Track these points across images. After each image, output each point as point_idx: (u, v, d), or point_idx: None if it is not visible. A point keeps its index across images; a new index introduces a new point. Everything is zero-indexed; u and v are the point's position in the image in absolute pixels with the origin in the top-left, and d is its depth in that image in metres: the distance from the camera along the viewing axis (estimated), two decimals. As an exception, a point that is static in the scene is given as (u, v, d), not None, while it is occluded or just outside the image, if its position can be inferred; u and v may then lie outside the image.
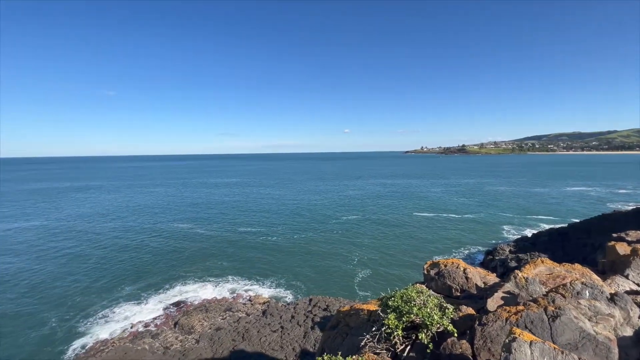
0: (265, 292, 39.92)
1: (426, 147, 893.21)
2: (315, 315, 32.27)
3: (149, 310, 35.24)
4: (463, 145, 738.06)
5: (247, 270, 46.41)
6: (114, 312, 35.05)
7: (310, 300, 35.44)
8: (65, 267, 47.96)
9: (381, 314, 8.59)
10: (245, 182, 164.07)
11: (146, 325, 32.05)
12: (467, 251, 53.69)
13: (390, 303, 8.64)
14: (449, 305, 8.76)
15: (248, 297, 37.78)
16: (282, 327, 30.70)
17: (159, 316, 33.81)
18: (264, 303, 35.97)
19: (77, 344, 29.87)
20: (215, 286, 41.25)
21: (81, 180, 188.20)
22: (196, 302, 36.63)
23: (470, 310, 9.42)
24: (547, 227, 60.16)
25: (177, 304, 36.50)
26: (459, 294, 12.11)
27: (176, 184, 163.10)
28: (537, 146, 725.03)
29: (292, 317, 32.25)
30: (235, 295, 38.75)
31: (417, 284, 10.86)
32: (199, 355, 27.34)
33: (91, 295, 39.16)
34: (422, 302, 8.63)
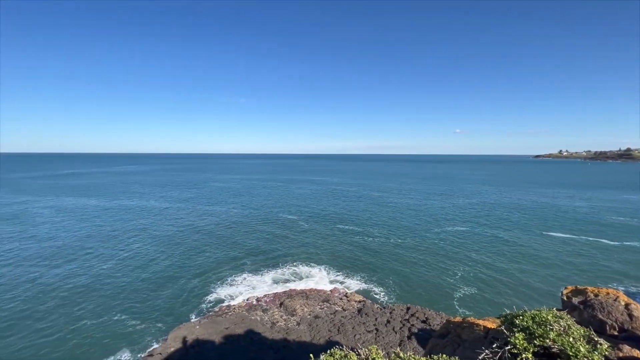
0: (360, 290, 40.50)
1: (566, 151, 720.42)
2: (412, 325, 30.62)
3: (262, 286, 41.31)
4: (628, 149, 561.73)
5: (345, 266, 47.95)
6: (238, 280, 42.83)
7: (408, 308, 33.78)
8: (209, 239, 60.46)
9: (505, 331, 7.50)
10: (346, 182, 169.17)
11: (258, 300, 37.10)
12: (624, 287, 40.81)
13: (517, 321, 7.45)
14: (602, 341, 6.93)
15: (344, 293, 38.91)
16: (376, 329, 30.38)
17: (268, 294, 38.61)
18: (359, 301, 36.37)
19: (210, 299, 37.72)
20: (315, 275, 44.32)
21: (219, 173, 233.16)
22: (298, 288, 40.12)
23: (637, 353, 7.19)
24: None
25: (284, 282, 41.34)
26: (615, 333, 9.41)
27: (286, 179, 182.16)
28: None
29: (388, 321, 31.47)
30: (332, 288, 40.54)
31: (554, 309, 8.98)
32: (299, 336, 29.84)
33: (224, 264, 48.70)
34: (562, 328, 7.10)
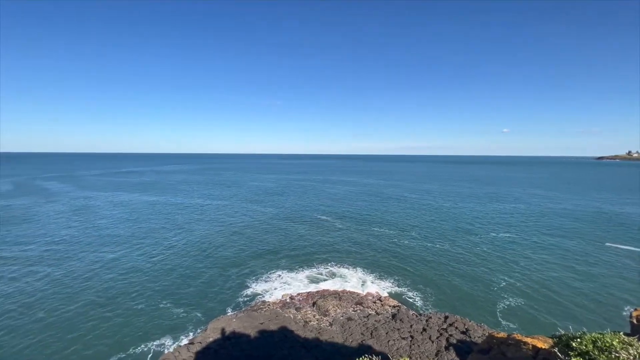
0: (394, 294, 39.47)
1: (637, 152, 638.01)
2: (451, 335, 29.10)
3: (296, 283, 41.99)
4: None
5: (379, 269, 47.04)
6: (273, 277, 44.02)
7: (446, 317, 32.17)
8: (246, 236, 63.02)
9: (559, 354, 6.79)
10: (380, 183, 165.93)
11: (292, 298, 37.76)
12: None
13: (574, 344, 6.70)
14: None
15: (378, 296, 38.16)
16: (411, 337, 29.35)
17: (301, 292, 39.13)
18: (394, 306, 35.44)
19: (246, 293, 39.18)
20: (348, 277, 44.03)
21: (252, 173, 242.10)
22: (331, 289, 40.15)
23: None
24: None
25: (317, 282, 41.51)
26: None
27: (320, 179, 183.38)
28: None
29: (424, 329, 30.24)
30: (365, 291, 39.96)
31: (621, 333, 7.95)
32: (332, 337, 29.83)
33: (260, 260, 50.44)
34: (631, 357, 6.24)
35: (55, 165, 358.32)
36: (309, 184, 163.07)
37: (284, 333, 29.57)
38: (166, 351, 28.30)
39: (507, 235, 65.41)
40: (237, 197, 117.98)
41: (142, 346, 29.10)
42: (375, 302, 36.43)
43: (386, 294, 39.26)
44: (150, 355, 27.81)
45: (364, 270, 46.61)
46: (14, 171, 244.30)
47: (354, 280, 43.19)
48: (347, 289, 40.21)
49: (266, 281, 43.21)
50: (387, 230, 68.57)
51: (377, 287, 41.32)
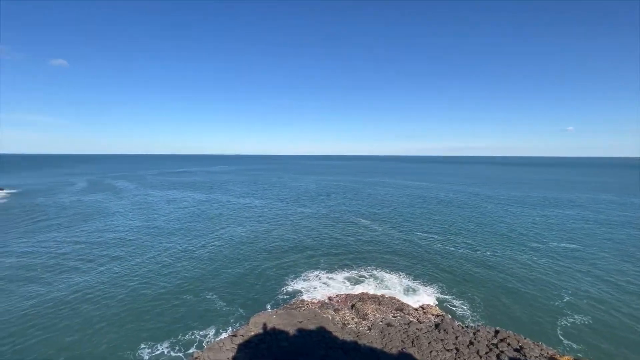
0: (438, 302, 37.38)
1: None
2: (502, 352, 26.64)
3: (334, 284, 41.88)
4: None
5: (422, 275, 44.99)
6: (311, 276, 44.39)
7: (497, 332, 29.56)
8: (286, 235, 64.62)
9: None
10: (424, 185, 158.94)
11: (330, 299, 37.65)
12: None
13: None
14: None
15: (420, 304, 36.42)
16: (457, 349, 27.44)
17: (340, 294, 38.85)
18: (437, 315, 33.52)
19: (285, 290, 39.98)
20: (388, 281, 42.74)
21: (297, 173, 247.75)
22: (370, 292, 39.23)
23: None
24: None
25: (356, 284, 40.93)
26: None
27: (360, 181, 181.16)
28: None
29: (471, 343, 28.09)
30: (406, 296, 38.42)
31: None
32: (370, 342, 29.08)
33: (298, 258, 51.33)
34: None
35: (121, 165, 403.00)
36: (349, 186, 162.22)
37: (322, 333, 29.53)
38: (211, 341, 29.95)
39: (571, 246, 58.38)
40: (278, 197, 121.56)
41: (189, 334, 31.15)
42: (417, 310, 34.80)
43: (429, 302, 37.32)
44: (196, 344, 29.65)
45: (405, 276, 44.90)
46: (89, 170, 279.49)
47: (394, 285, 41.80)
48: (387, 294, 38.99)
49: (304, 280, 43.71)
50: (430, 235, 65.36)
51: (419, 294, 39.51)
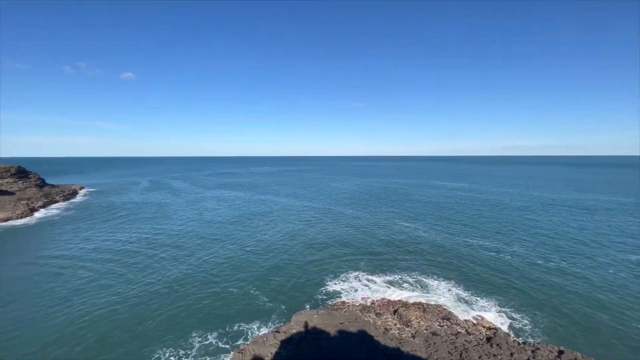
0: (490, 314, 34.49)
1: None
2: (568, 375, 23.69)
3: (375, 287, 41.01)
4: None
5: (472, 284, 41.97)
6: (351, 278, 43.95)
7: (561, 352, 26.37)
8: (327, 235, 65.12)
9: None
10: (475, 188, 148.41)
11: (372, 302, 36.91)
12: None
13: None
14: None
15: (470, 314, 34.01)
16: (513, 367, 25.05)
17: (382, 298, 37.89)
18: (489, 328, 30.98)
19: (324, 290, 40.15)
20: (434, 288, 40.63)
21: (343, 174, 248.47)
22: (415, 299, 37.67)
23: None
24: None
25: (398, 289, 39.58)
26: None
27: (403, 183, 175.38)
28: None
29: (530, 361, 25.44)
30: (455, 306, 36.15)
31: None
32: (414, 350, 27.85)
33: (339, 259, 51.28)
34: None
35: (176, 166, 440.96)
36: (391, 187, 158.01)
37: (363, 337, 29.04)
38: (255, 334, 31.22)
39: (658, 259, 49.93)
40: (318, 197, 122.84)
41: (236, 326, 32.82)
42: (466, 321, 32.54)
43: (479, 313, 34.69)
44: (242, 337, 31.13)
45: (454, 284, 42.23)
46: (149, 171, 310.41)
47: (441, 293, 39.58)
48: (432, 301, 37.09)
49: (343, 281, 43.48)
50: (482, 242, 60.69)
51: (469, 304, 36.91)
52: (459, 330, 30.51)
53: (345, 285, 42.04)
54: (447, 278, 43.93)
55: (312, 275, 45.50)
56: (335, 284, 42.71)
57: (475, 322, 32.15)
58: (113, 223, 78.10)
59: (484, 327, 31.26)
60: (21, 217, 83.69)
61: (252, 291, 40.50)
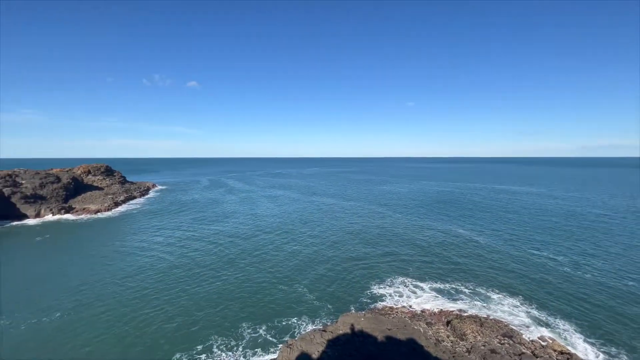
0: (563, 336, 30.35)
1: None
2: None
3: (424, 295, 39.00)
4: None
5: (540, 300, 37.43)
6: (397, 283, 42.45)
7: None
8: (377, 237, 64.01)
9: None
10: (543, 193, 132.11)
11: (423, 310, 35.17)
12: None
13: None
14: None
15: (537, 334, 30.39)
16: (592, 401, 21.70)
17: (432, 308, 35.87)
18: (561, 352, 27.30)
19: (369, 293, 39.33)
20: (493, 301, 37.14)
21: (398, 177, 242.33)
22: (470, 311, 34.93)
23: None
24: None
25: (452, 299, 37.06)
26: None
27: (462, 186, 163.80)
28: None
29: (615, 397, 21.77)
30: (518, 323, 32.61)
31: None
32: (469, 366, 25.82)
33: (387, 263, 49.90)
34: None
35: (233, 166, 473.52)
36: (446, 190, 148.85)
37: (412, 346, 27.78)
38: (303, 331, 31.97)
39: None
40: (368, 199, 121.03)
41: (285, 320, 33.99)
42: (532, 341, 29.15)
43: (550, 334, 30.78)
44: (289, 332, 32.11)
45: (517, 298, 38.17)
46: (208, 171, 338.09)
47: (502, 308, 36.00)
48: (491, 316, 33.98)
49: (389, 285, 42.11)
50: (553, 256, 53.68)
51: (536, 322, 32.96)
52: (524, 350, 27.46)
53: (391, 290, 40.75)
54: (510, 291, 39.83)
55: (358, 277, 45.00)
56: (380, 287, 41.65)
57: (544, 343, 28.62)
58: (181, 218, 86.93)
59: (555, 350, 27.64)
60: (107, 210, 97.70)
61: (299, 289, 41.53)
